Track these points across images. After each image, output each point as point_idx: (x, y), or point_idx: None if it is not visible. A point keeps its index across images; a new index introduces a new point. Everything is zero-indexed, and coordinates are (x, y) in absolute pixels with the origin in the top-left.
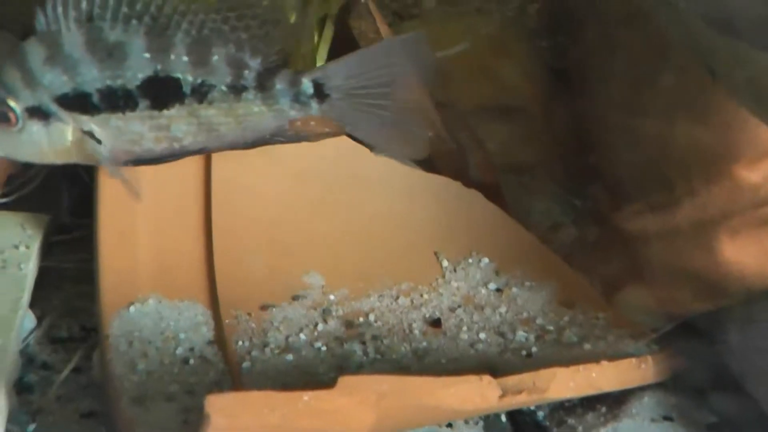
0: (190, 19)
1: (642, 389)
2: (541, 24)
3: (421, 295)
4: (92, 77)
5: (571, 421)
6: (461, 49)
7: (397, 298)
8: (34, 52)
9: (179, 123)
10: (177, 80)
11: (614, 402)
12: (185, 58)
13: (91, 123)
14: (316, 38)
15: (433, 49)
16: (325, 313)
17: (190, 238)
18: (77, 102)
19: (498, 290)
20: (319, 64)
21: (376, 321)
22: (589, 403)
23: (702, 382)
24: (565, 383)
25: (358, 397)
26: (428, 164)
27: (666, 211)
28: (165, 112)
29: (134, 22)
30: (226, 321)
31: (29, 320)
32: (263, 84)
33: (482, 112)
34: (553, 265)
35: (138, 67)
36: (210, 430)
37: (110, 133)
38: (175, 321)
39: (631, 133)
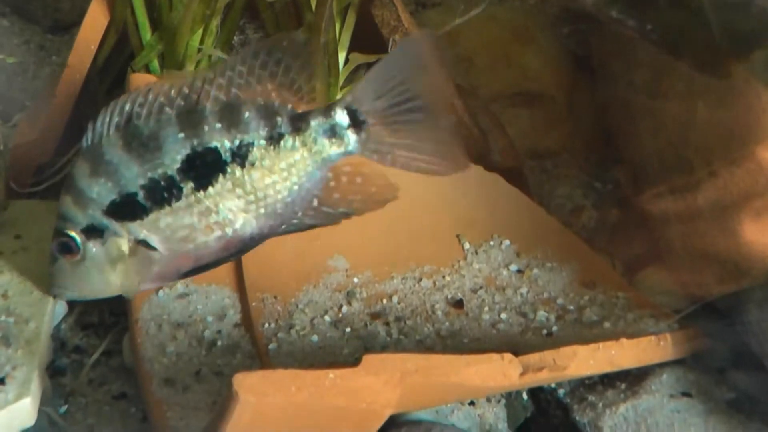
0: (218, 83)
1: (661, 366)
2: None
3: (444, 277)
4: (133, 175)
5: (591, 398)
6: (463, 21)
7: (420, 280)
8: (80, 169)
9: (226, 200)
10: (215, 150)
11: (634, 379)
12: (218, 125)
13: (143, 229)
14: (338, 27)
15: (455, 37)
16: (350, 296)
17: None
18: (126, 207)
19: (519, 271)
20: (341, 53)
21: (399, 303)
22: (609, 380)
23: (721, 360)
24: (585, 361)
25: (383, 375)
26: None
27: (687, 193)
28: (210, 190)
29: (166, 109)
30: (253, 304)
31: (61, 306)
32: (298, 126)
33: (505, 99)
34: (574, 246)
35: (174, 150)
36: (238, 407)
37: (162, 235)
38: (202, 305)
39: (653, 117)
